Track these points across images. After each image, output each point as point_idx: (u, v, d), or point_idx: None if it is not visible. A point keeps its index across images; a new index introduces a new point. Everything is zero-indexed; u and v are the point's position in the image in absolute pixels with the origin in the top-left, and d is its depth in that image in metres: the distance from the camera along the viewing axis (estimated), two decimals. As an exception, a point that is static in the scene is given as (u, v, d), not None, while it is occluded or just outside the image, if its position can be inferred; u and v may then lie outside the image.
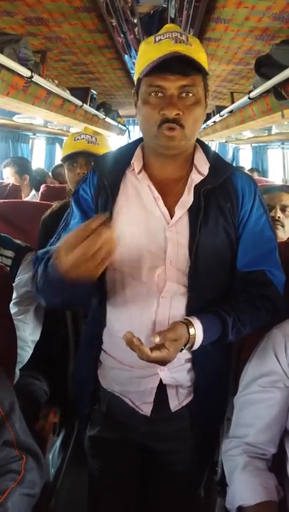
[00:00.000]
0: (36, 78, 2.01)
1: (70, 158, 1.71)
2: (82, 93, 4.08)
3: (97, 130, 4.69)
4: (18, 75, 1.91)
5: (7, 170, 3.62)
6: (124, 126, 7.71)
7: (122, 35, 2.52)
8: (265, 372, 1.09)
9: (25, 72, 1.90)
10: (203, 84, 1.02)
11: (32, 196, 3.66)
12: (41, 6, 2.04)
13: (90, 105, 4.11)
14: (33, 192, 3.74)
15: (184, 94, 0.98)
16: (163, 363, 0.95)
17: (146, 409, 1.14)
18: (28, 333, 1.54)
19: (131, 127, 9.45)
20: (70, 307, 1.61)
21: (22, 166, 3.73)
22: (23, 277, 1.57)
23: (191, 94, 0.98)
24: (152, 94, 0.98)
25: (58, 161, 6.45)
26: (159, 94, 0.98)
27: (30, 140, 5.06)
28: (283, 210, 1.83)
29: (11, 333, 1.29)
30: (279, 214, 1.81)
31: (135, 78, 1.06)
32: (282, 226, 1.82)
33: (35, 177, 4.06)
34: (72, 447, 1.80)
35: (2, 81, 1.81)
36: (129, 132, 8.44)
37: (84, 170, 1.67)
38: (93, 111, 4.09)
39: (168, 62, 0.94)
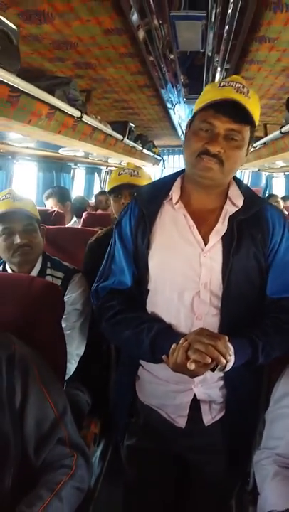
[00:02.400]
0: (85, 118, 2.23)
1: (115, 191, 1.89)
2: (121, 126, 4.33)
3: (134, 161, 4.95)
4: (69, 115, 2.13)
5: (49, 201, 3.88)
6: (159, 155, 7.98)
7: (161, 76, 2.73)
8: (294, 388, 1.18)
9: (76, 113, 2.12)
10: (250, 134, 1.14)
11: (73, 222, 3.88)
12: (90, 52, 2.28)
13: (128, 137, 4.35)
14: (75, 218, 3.98)
15: (229, 137, 1.10)
16: (192, 375, 1.07)
17: (181, 422, 1.23)
18: (74, 348, 1.68)
19: (165, 157, 9.76)
20: None
21: (63, 195, 3.99)
22: (71, 296, 1.73)
23: (235, 139, 1.11)
24: (202, 128, 1.12)
25: (96, 189, 6.76)
26: (208, 130, 1.11)
27: (72, 170, 5.36)
28: None
29: (62, 345, 1.43)
30: None
31: (193, 112, 1.19)
32: None
33: (75, 204, 4.32)
34: (109, 458, 1.89)
35: (55, 121, 2.02)
36: (164, 161, 8.71)
37: (128, 200, 1.83)
38: (131, 143, 4.34)
39: (224, 105, 1.08)
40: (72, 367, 1.67)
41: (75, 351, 1.69)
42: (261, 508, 1.12)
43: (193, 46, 2.17)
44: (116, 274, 1.27)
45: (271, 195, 5.83)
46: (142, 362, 1.29)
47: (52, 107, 1.89)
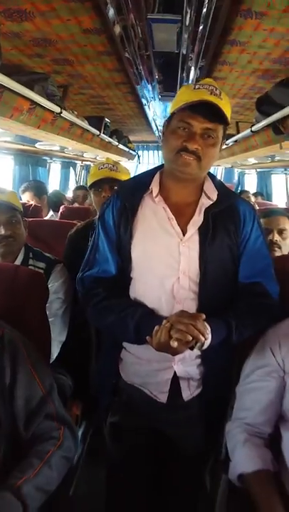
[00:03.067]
0: (64, 113, 2.29)
1: (96, 185, 1.97)
2: (97, 121, 4.39)
3: (109, 155, 5.01)
4: (49, 110, 2.19)
5: (26, 194, 3.92)
6: (134, 151, 8.06)
7: (137, 73, 2.82)
8: (262, 364, 1.29)
9: (56, 109, 2.19)
10: (223, 132, 1.25)
11: (50, 216, 3.93)
12: (69, 50, 2.35)
13: (103, 132, 4.42)
14: (51, 212, 4.02)
15: (205, 136, 1.21)
16: (174, 353, 1.18)
17: (163, 398, 1.34)
18: (57, 334, 1.76)
19: (140, 152, 9.84)
20: None
21: (39, 188, 4.04)
22: (53, 285, 1.80)
23: (211, 137, 1.22)
24: (180, 127, 1.22)
25: (72, 183, 6.78)
26: (186, 129, 1.21)
27: (48, 164, 5.38)
28: (280, 233, 2.05)
29: (47, 331, 1.51)
30: (276, 237, 2.03)
31: (169, 112, 1.30)
32: (280, 248, 2.04)
33: (51, 198, 4.36)
34: (90, 439, 1.98)
35: (35, 116, 2.08)
36: (138, 157, 8.79)
37: (108, 194, 1.92)
38: (108, 138, 4.40)
39: (200, 106, 1.18)
40: (55, 352, 1.75)
41: (58, 337, 1.77)
42: (232, 473, 1.23)
43: (168, 47, 2.27)
44: (100, 264, 1.35)
45: (243, 191, 6.04)
46: (124, 345, 1.38)
47: (32, 102, 1.95)
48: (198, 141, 1.20)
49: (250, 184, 8.15)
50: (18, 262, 1.81)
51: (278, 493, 1.13)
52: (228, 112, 1.23)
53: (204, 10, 1.71)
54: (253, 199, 5.52)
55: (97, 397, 1.52)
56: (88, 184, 2.03)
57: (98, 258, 1.36)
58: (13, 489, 1.04)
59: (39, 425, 1.20)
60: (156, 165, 1.43)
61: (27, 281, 1.48)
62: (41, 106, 2.05)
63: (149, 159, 10.07)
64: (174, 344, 1.10)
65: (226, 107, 1.22)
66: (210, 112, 1.19)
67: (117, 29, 1.98)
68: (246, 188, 7.87)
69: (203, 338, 1.12)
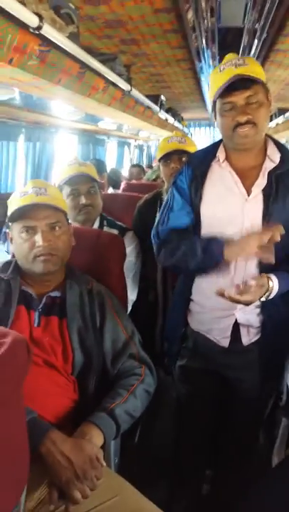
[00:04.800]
0: (133, 91, 2.43)
1: (165, 157, 2.10)
2: (153, 99, 4.48)
3: (164, 133, 5.10)
4: (119, 88, 2.34)
5: None
6: (187, 128, 8.07)
7: (200, 48, 2.89)
8: None
9: (126, 86, 2.33)
10: (264, 90, 1.34)
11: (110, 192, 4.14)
12: (137, 30, 2.47)
13: (160, 110, 4.52)
14: (111, 189, 4.23)
15: (250, 102, 1.31)
16: (247, 303, 1.31)
17: (225, 343, 1.49)
18: (129, 293, 1.94)
19: (192, 129, 9.81)
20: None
21: (100, 166, 4.23)
22: (126, 249, 1.98)
23: (255, 100, 1.31)
24: (226, 108, 1.33)
25: (126, 161, 6.97)
26: (232, 108, 1.32)
27: (105, 143, 5.58)
28: None
29: (124, 287, 1.70)
30: None
31: (210, 101, 1.41)
32: None
33: (110, 176, 4.56)
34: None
35: (108, 94, 2.24)
36: (191, 134, 8.78)
37: (177, 165, 2.05)
38: (165, 115, 4.49)
39: (232, 83, 1.28)
40: (127, 309, 1.94)
41: (130, 296, 1.96)
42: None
43: (234, 21, 2.33)
44: (174, 221, 1.49)
45: None
46: (192, 297, 1.54)
47: (107, 80, 2.10)
48: (245, 111, 1.29)
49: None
50: (94, 228, 2.01)
51: None
52: (258, 71, 1.31)
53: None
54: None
55: (168, 345, 1.69)
56: (157, 157, 2.17)
57: (171, 216, 1.49)
58: (107, 410, 1.23)
59: (124, 363, 1.39)
60: (208, 142, 1.53)
61: (108, 243, 1.66)
62: (114, 84, 2.20)
63: (201, 136, 10.02)
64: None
65: (255, 68, 1.31)
66: (242, 82, 1.27)
67: (186, 6, 2.07)
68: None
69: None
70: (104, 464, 1.12)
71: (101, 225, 2.04)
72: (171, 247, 1.45)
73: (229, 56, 1.36)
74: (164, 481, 1.84)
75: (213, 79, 1.37)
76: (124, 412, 1.26)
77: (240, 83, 1.28)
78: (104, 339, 1.39)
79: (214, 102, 1.37)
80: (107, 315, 1.41)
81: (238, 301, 1.28)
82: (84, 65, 1.69)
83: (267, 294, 1.30)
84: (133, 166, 5.57)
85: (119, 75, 2.73)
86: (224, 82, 1.28)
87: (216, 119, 1.41)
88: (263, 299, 1.32)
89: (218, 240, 1.34)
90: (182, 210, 1.48)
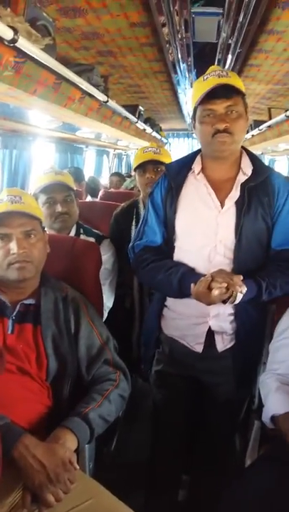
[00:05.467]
0: (110, 102, 2.47)
1: (141, 167, 2.14)
2: (132, 110, 4.54)
3: (142, 143, 5.17)
4: (96, 99, 2.38)
5: None
6: (166, 138, 8.18)
7: (176, 61, 2.97)
8: (295, 322, 1.46)
9: (103, 97, 2.37)
10: (243, 103, 1.40)
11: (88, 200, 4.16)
12: (114, 42, 2.52)
13: (137, 120, 4.58)
14: (89, 197, 4.25)
15: (229, 112, 1.37)
16: (209, 303, 1.34)
17: (199, 348, 1.52)
18: (105, 300, 1.96)
19: (170, 139, 9.94)
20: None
21: (78, 174, 4.26)
22: (102, 257, 2.00)
23: (234, 111, 1.37)
24: (206, 116, 1.38)
25: (104, 170, 7.00)
26: (211, 115, 1.37)
27: (84, 152, 5.60)
28: None
29: (99, 294, 1.72)
30: None
31: (191, 108, 1.46)
32: None
33: (89, 184, 4.59)
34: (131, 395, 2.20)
35: (84, 105, 2.28)
36: (170, 145, 8.90)
37: (152, 175, 2.09)
38: (143, 126, 4.56)
39: (214, 91, 1.33)
40: (103, 316, 1.96)
41: (106, 303, 1.98)
42: (265, 416, 1.40)
43: (208, 37, 2.41)
44: (148, 235, 1.55)
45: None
46: (166, 303, 1.58)
47: (83, 91, 2.13)
48: (225, 120, 1.35)
49: (281, 171, 8.10)
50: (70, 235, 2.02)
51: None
52: (239, 84, 1.38)
53: (244, 2, 1.84)
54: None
55: (144, 350, 1.72)
56: (133, 167, 2.21)
57: (147, 230, 1.55)
58: (81, 415, 1.25)
59: (98, 369, 1.41)
60: (186, 152, 1.59)
61: (84, 251, 1.68)
62: (90, 95, 2.23)
63: (180, 146, 10.17)
64: (215, 292, 1.28)
65: (236, 81, 1.37)
66: (224, 91, 1.33)
67: (161, 21, 2.13)
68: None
69: (239, 289, 1.29)
70: (78, 467, 1.14)
71: (77, 233, 2.06)
72: (147, 269, 1.50)
73: (213, 67, 1.41)
74: (140, 488, 1.84)
75: (196, 87, 1.42)
76: (98, 417, 1.27)
77: (221, 92, 1.33)
78: (79, 345, 1.41)
79: (195, 109, 1.42)
80: (81, 321, 1.43)
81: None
82: (60, 76, 1.72)
83: (231, 299, 1.33)
84: (113, 174, 5.61)
85: (97, 85, 2.78)
86: (206, 89, 1.33)
87: (194, 127, 1.47)
88: (228, 304, 1.36)
89: (192, 276, 1.39)
90: (157, 225, 1.53)
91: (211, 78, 1.36)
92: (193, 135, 1.58)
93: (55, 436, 1.17)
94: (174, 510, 1.73)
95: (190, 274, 1.43)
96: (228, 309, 1.46)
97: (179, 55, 2.82)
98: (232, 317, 1.50)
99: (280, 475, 1.23)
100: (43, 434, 1.21)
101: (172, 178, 1.52)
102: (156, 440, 1.72)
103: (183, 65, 2.95)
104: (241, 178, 1.46)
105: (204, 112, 1.38)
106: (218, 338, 1.51)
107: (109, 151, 7.16)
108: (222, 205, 1.45)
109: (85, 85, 2.00)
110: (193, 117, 1.45)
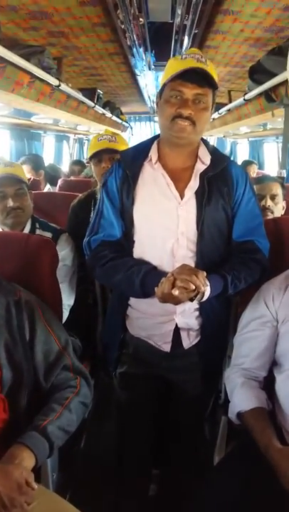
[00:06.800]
0: (62, 86, 2.33)
1: (95, 156, 2.04)
2: (90, 93, 4.39)
3: (103, 127, 5.02)
4: (47, 83, 2.23)
5: (24, 167, 3.95)
6: (127, 122, 8.00)
7: (131, 43, 2.84)
8: (257, 315, 1.42)
9: (54, 81, 2.23)
10: (212, 97, 1.34)
11: (47, 189, 3.99)
12: (64, 22, 2.37)
13: (96, 104, 4.42)
14: (48, 186, 4.08)
15: (196, 101, 1.30)
16: (176, 303, 1.28)
17: (166, 347, 1.48)
18: (66, 298, 1.87)
19: (132, 123, 9.76)
20: None
21: (37, 162, 4.07)
22: (60, 253, 1.88)
23: (202, 102, 1.31)
24: (173, 96, 1.31)
25: (65, 156, 6.79)
26: (178, 97, 1.30)
27: (42, 138, 5.38)
28: (273, 198, 2.16)
29: (58, 294, 1.63)
30: (269, 203, 2.13)
31: (160, 84, 1.38)
32: (272, 213, 2.15)
33: (48, 172, 4.40)
34: (98, 395, 2.14)
35: (35, 89, 2.13)
36: (131, 128, 8.73)
37: (108, 164, 1.99)
38: (101, 110, 4.41)
39: (189, 74, 1.27)
40: (64, 316, 1.87)
41: (66, 302, 1.89)
42: (231, 412, 1.38)
43: (162, 16, 2.31)
44: (105, 228, 1.45)
45: (249, 162, 5.95)
46: (130, 302, 1.51)
47: (32, 75, 1.99)
48: (190, 107, 1.29)
49: (243, 153, 8.16)
50: (25, 232, 1.91)
51: (272, 426, 1.28)
52: (215, 77, 1.31)
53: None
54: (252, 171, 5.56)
55: (106, 352, 1.65)
56: (88, 156, 2.10)
57: (103, 223, 1.45)
58: (38, 429, 1.17)
59: (57, 376, 1.33)
60: (148, 136, 1.51)
61: (38, 248, 1.58)
62: (40, 79, 2.10)
63: (142, 130, 10.01)
64: (176, 292, 1.21)
65: (213, 72, 1.31)
66: (198, 78, 1.27)
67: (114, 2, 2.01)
68: (239, 157, 7.89)
69: (203, 288, 1.24)
70: (36, 486, 1.06)
71: (33, 228, 1.95)
72: (105, 268, 1.41)
73: (194, 50, 1.34)
74: (112, 484, 1.81)
75: (171, 63, 1.34)
76: (57, 429, 1.20)
77: (196, 77, 1.27)
78: (35, 352, 1.32)
79: (163, 86, 1.33)
80: (37, 326, 1.34)
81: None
82: (2, 60, 1.58)
83: (198, 296, 1.29)
84: (74, 162, 5.40)
85: (49, 68, 2.63)
86: (182, 69, 1.26)
87: (157, 105, 1.38)
88: (195, 302, 1.31)
89: (155, 276, 1.32)
90: (113, 218, 1.44)
91: (190, 59, 1.28)
92: (155, 118, 1.49)
93: (10, 455, 1.09)
94: (145, 505, 1.70)
95: (152, 273, 1.36)
96: (193, 305, 1.41)
97: (134, 36, 2.70)
98: (197, 312, 1.46)
99: (249, 474, 1.21)
100: (1, 449, 1.12)
101: (127, 166, 1.43)
102: (122, 441, 1.67)
103: (139, 47, 2.83)
104: (200, 167, 1.40)
105: (172, 92, 1.30)
106: (184, 335, 1.47)
107: (70, 137, 6.93)
108: (181, 195, 1.39)
109: (33, 69, 1.86)
110: (160, 94, 1.37)
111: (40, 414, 1.23)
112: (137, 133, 9.74)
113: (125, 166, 1.43)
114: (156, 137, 1.48)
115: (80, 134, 6.68)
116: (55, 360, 1.34)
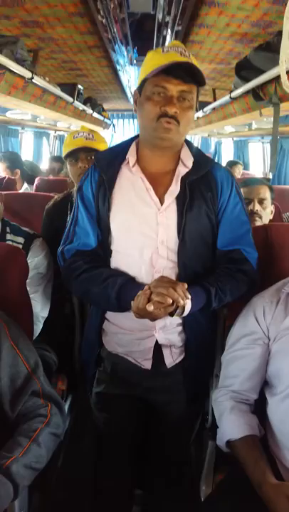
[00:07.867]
0: (36, 79, 2.17)
1: (71, 155, 1.89)
2: (70, 88, 4.20)
3: (84, 124, 4.85)
4: (20, 76, 2.07)
5: None
6: (109, 119, 7.84)
7: (111, 36, 2.69)
8: (247, 332, 1.31)
9: (27, 74, 2.06)
10: (197, 95, 1.22)
11: (24, 189, 3.80)
12: (38, 10, 2.20)
13: (77, 100, 4.25)
14: (26, 185, 3.89)
15: (181, 99, 1.18)
16: (153, 319, 1.17)
17: (147, 365, 1.35)
18: (39, 310, 1.73)
19: (115, 121, 9.59)
20: None
21: (13, 160, 3.87)
22: (33, 260, 1.75)
23: (187, 100, 1.18)
24: (156, 93, 1.18)
25: (45, 153, 6.58)
26: (162, 94, 1.17)
27: (20, 134, 5.17)
28: (261, 202, 2.04)
29: (29, 307, 1.48)
30: (257, 207, 2.01)
31: (140, 79, 1.24)
32: (260, 218, 2.03)
33: (25, 170, 4.21)
34: (76, 413, 1.99)
35: (5, 82, 1.96)
36: (114, 126, 8.57)
37: (85, 164, 1.85)
38: (82, 106, 4.24)
39: (173, 69, 1.14)
40: (37, 328, 1.72)
41: (40, 313, 1.74)
42: (220, 439, 1.26)
43: (144, 8, 2.16)
44: (80, 237, 1.33)
45: (234, 162, 5.87)
46: (107, 316, 1.38)
47: (2, 67, 1.83)
48: (176, 105, 1.17)
49: (227, 153, 8.09)
50: (-6, 237, 1.75)
51: (265, 457, 1.16)
52: (200, 71, 1.19)
53: None
54: (237, 171, 5.48)
55: (85, 368, 1.51)
56: (63, 154, 1.95)
57: (78, 231, 1.34)
58: (1, 470, 1.03)
59: (25, 403, 1.19)
60: (131, 134, 1.37)
61: (5, 258, 1.43)
62: (11, 71, 1.93)
63: (124, 128, 9.84)
64: (150, 308, 1.09)
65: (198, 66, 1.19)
66: (183, 73, 1.15)
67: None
68: (223, 157, 7.82)
69: (182, 302, 1.13)
70: None
71: (3, 233, 1.79)
72: (80, 280, 1.29)
73: (176, 42, 1.22)
74: (89, 506, 1.67)
75: (151, 57, 1.21)
76: (23, 468, 1.06)
77: (180, 73, 1.14)
78: (0, 377, 1.17)
79: (143, 82, 1.20)
80: (2, 347, 1.19)
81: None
82: None
83: (178, 311, 1.17)
84: (54, 159, 5.17)
85: (22, 60, 2.45)
86: (165, 63, 1.13)
87: (136, 103, 1.26)
88: (176, 316, 1.18)
89: (131, 289, 1.21)
90: (89, 226, 1.31)
91: (173, 53, 1.16)
92: (136, 112, 1.35)
93: None
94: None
95: (129, 285, 1.23)
96: (175, 319, 1.28)
97: (114, 29, 2.55)
98: (180, 328, 1.34)
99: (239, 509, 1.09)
100: None
101: (103, 169, 1.31)
102: (100, 462, 1.52)
103: (120, 41, 2.68)
104: (181, 170, 1.29)
105: (155, 89, 1.17)
106: (166, 353, 1.34)
107: (50, 133, 6.72)
108: (161, 201, 1.27)
109: (3, 60, 1.69)
110: (139, 91, 1.23)
111: (5, 451, 1.08)
112: (119, 131, 9.57)
113: (101, 169, 1.31)
114: (134, 138, 1.36)
115: (60, 130, 6.48)
116: (22, 385, 1.20)
